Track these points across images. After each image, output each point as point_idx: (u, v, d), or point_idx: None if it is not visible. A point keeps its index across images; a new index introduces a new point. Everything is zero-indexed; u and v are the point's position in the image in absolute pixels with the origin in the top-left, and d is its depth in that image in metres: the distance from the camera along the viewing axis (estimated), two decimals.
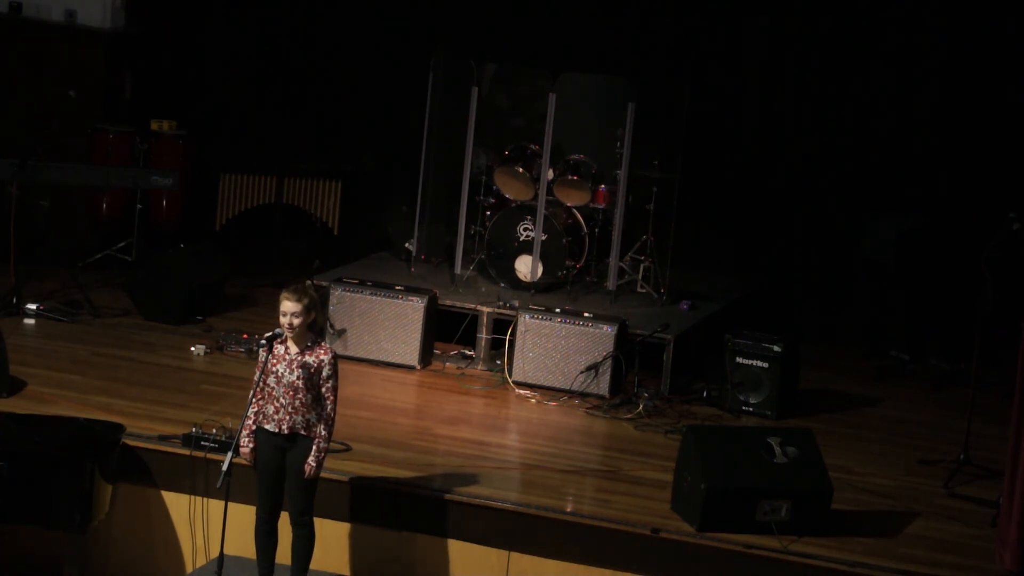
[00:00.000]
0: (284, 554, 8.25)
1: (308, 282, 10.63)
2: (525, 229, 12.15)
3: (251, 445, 8.10)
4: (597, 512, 8.79)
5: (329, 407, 8.06)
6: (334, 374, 8.06)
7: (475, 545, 8.73)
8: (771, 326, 11.25)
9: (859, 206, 13.22)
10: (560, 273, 12.12)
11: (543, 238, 12.04)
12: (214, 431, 8.97)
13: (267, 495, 8.16)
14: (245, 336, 11.25)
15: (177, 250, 12.09)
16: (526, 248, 12.13)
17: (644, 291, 12.26)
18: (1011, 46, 12.77)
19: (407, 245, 12.71)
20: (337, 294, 11.29)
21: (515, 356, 11.08)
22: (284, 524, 8.22)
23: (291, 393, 8.00)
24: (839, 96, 13.33)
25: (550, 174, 12.07)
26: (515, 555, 8.69)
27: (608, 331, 10.94)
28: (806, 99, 13.43)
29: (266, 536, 8.23)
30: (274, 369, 8.02)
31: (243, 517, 8.38)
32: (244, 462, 8.14)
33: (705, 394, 11.09)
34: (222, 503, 7.96)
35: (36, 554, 9.10)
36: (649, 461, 9.73)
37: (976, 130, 12.90)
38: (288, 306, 7.97)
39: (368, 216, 13.80)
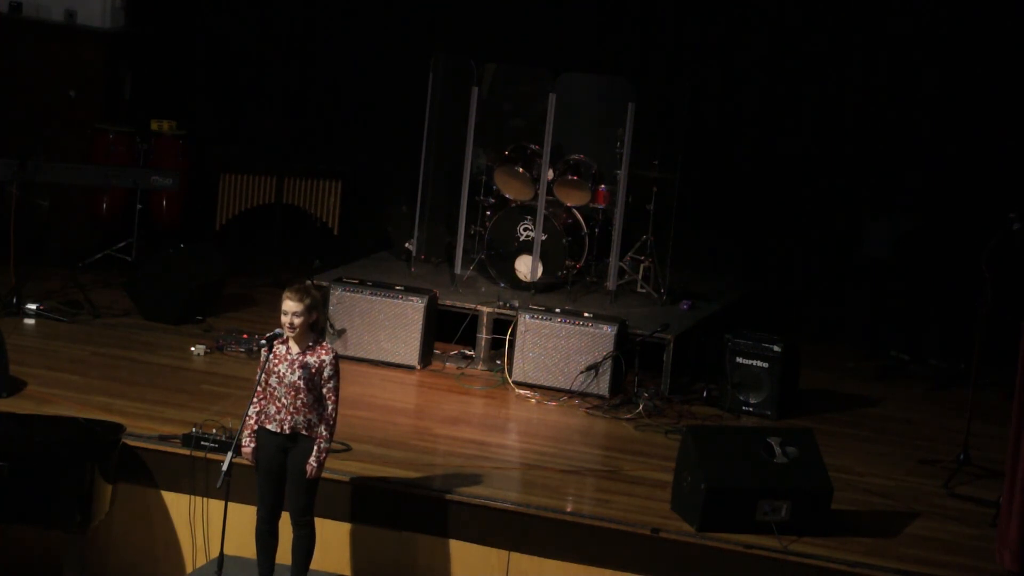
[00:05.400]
0: (284, 554, 8.26)
1: (308, 282, 10.64)
2: (525, 229, 12.15)
3: (252, 445, 8.10)
4: (597, 512, 8.79)
5: (330, 407, 8.06)
6: (335, 374, 8.06)
7: (475, 545, 8.73)
8: (771, 326, 11.25)
9: (859, 206, 13.23)
10: (560, 273, 12.13)
11: (543, 238, 12.04)
12: (214, 431, 8.97)
13: (268, 495, 8.15)
14: (245, 336, 11.26)
15: (177, 250, 12.09)
16: (526, 248, 12.13)
17: (644, 291, 12.26)
18: (1010, 46, 12.77)
19: (407, 245, 12.72)
20: (337, 294, 11.29)
21: (515, 356, 11.08)
22: (284, 524, 8.22)
23: (292, 393, 8.00)
24: (839, 96, 13.34)
25: (550, 174, 12.07)
26: (515, 555, 8.69)
27: (608, 331, 10.95)
28: (806, 99, 13.44)
29: (266, 536, 8.23)
30: (275, 369, 8.02)
31: (243, 517, 8.39)
32: (245, 462, 8.14)
33: (705, 394, 11.09)
34: (222, 503, 7.96)
35: (36, 554, 9.10)
36: (649, 461, 9.73)
37: (976, 130, 12.91)
38: (290, 305, 7.97)
39: (368, 216, 13.81)
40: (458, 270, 12.21)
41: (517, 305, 11.45)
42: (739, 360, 10.85)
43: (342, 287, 11.33)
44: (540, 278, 12.11)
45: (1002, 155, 12.78)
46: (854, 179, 13.32)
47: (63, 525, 8.56)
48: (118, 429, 8.95)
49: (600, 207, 12.20)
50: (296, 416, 8.02)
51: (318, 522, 8.28)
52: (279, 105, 14.41)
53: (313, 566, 8.28)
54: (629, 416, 10.63)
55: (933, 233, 12.65)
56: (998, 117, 12.83)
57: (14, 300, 11.45)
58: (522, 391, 10.96)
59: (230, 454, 7.83)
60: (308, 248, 13.50)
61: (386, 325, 11.24)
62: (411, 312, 11.23)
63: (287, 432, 8.04)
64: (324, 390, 8.05)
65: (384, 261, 12.96)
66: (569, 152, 12.28)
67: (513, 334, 11.12)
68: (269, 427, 8.07)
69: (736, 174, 13.57)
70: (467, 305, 11.62)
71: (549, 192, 12.08)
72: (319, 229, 13.77)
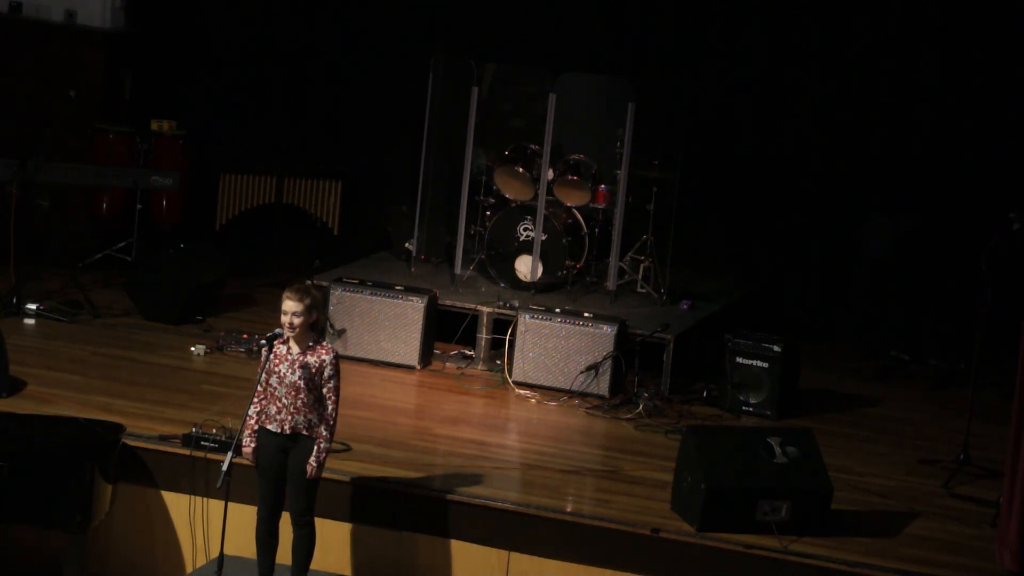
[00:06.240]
0: (284, 554, 8.26)
1: (308, 282, 10.64)
2: (525, 229, 12.16)
3: (253, 444, 8.09)
4: (597, 512, 8.79)
5: (331, 407, 8.06)
6: (336, 374, 8.06)
7: (475, 545, 8.73)
8: (771, 326, 11.25)
9: (859, 206, 13.22)
10: (560, 273, 12.12)
11: (543, 238, 12.04)
12: (214, 431, 8.97)
13: (268, 495, 8.16)
14: (245, 336, 11.25)
15: (177, 250, 12.09)
16: (526, 248, 12.13)
17: (644, 291, 12.26)
18: (1010, 46, 12.77)
19: (407, 245, 12.72)
20: (337, 294, 11.29)
21: (515, 356, 11.08)
22: (285, 524, 8.22)
23: (293, 393, 8.00)
24: (839, 95, 13.34)
25: (550, 174, 12.07)
26: (515, 555, 8.69)
27: (608, 331, 10.95)
28: (806, 98, 13.44)
29: (267, 536, 8.23)
30: (276, 369, 8.02)
31: (243, 517, 8.39)
32: (245, 462, 8.14)
33: (705, 394, 11.09)
34: (222, 503, 7.96)
35: (36, 554, 9.10)
36: (649, 461, 9.74)
37: (976, 129, 12.90)
38: (290, 305, 7.97)
39: (368, 216, 13.81)
40: (458, 270, 12.21)
41: (517, 305, 11.45)
42: (739, 360, 10.85)
43: (342, 287, 11.33)
44: (540, 278, 12.11)
45: (1002, 155, 12.77)
46: (854, 179, 13.31)
47: (63, 525, 8.55)
48: (118, 429, 8.95)
49: (600, 207, 12.20)
50: (296, 416, 8.02)
51: (318, 522, 8.28)
52: (279, 105, 14.41)
53: (313, 566, 8.28)
54: (629, 416, 10.63)
55: (933, 233, 12.64)
56: (998, 117, 12.83)
57: (14, 300, 11.45)
58: (522, 391, 10.96)
59: (230, 454, 7.83)
60: (308, 248, 13.50)
61: (386, 325, 11.24)
62: (411, 312, 11.23)
63: (287, 432, 8.04)
64: (324, 390, 8.05)
65: (384, 261, 12.95)
66: (569, 152, 12.28)
67: (513, 334, 11.12)
68: (269, 427, 8.07)
69: (736, 174, 13.57)
70: (467, 305, 11.62)
71: (549, 192, 12.08)
72: (319, 229, 13.76)
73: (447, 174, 12.51)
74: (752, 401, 10.83)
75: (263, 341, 8.07)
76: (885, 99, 13.24)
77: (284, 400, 8.02)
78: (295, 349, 8.05)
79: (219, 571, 8.14)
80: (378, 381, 10.94)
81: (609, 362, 10.91)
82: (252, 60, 14.53)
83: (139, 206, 12.73)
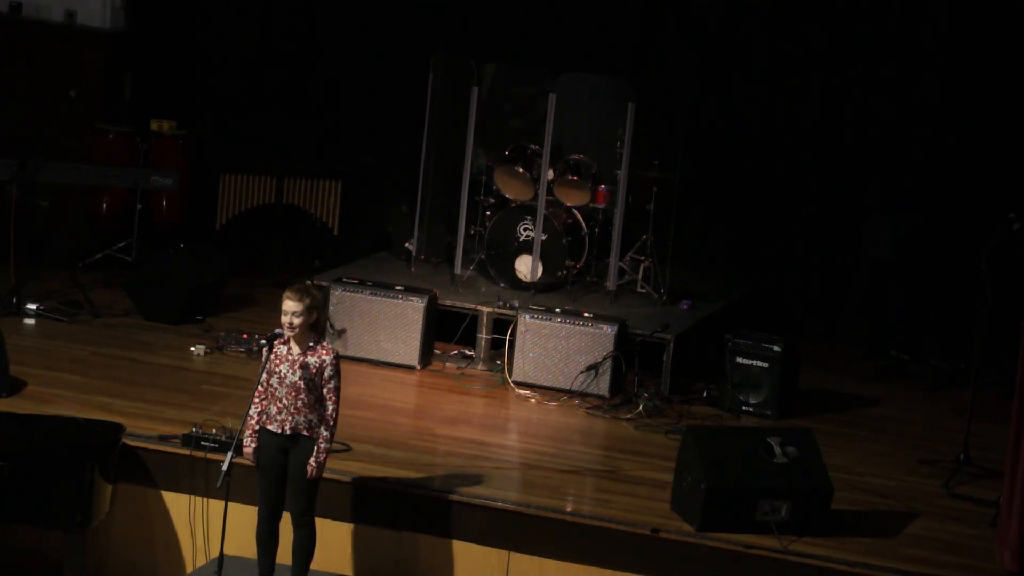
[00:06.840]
0: (285, 554, 8.26)
1: (308, 282, 10.64)
2: (525, 229, 12.15)
3: (253, 445, 8.09)
4: (597, 512, 8.79)
5: (331, 408, 8.05)
6: (336, 375, 8.06)
7: (475, 545, 8.73)
8: (771, 326, 11.25)
9: (859, 206, 13.22)
10: (560, 273, 12.13)
11: (543, 238, 12.04)
12: (214, 431, 8.97)
13: (268, 495, 8.15)
14: (245, 336, 11.25)
15: (177, 250, 12.09)
16: (526, 248, 12.13)
17: (644, 291, 12.26)
18: (1011, 46, 12.77)
19: (407, 245, 12.72)
20: (337, 294, 11.29)
21: (515, 356, 11.08)
22: (285, 524, 8.22)
23: (293, 394, 8.00)
24: (839, 95, 13.33)
25: (550, 174, 12.07)
26: (515, 555, 8.70)
27: (608, 331, 10.95)
28: (806, 98, 13.43)
29: (267, 536, 8.23)
30: (277, 369, 8.02)
31: (243, 517, 8.39)
32: (246, 462, 8.14)
33: (705, 394, 11.09)
34: (222, 503, 7.97)
35: (36, 554, 9.11)
36: (649, 461, 9.73)
37: (976, 130, 12.90)
38: (290, 305, 7.97)
39: (368, 216, 13.81)
40: (458, 270, 12.21)
41: (517, 305, 11.45)
42: (739, 360, 10.85)
43: (342, 287, 11.33)
44: (540, 278, 12.11)
45: (1002, 155, 12.77)
46: (854, 179, 13.31)
47: (63, 525, 8.55)
48: (118, 429, 8.95)
49: (600, 207, 12.20)
50: (297, 416, 8.02)
51: (319, 522, 8.28)
52: (279, 105, 14.41)
53: (314, 566, 8.28)
54: (629, 416, 10.63)
55: (933, 233, 12.64)
56: (998, 117, 12.82)
57: (14, 300, 11.45)
58: (522, 391, 10.96)
59: (230, 454, 7.83)
60: (308, 248, 13.50)
61: (386, 325, 11.24)
62: (411, 312, 11.23)
63: (288, 432, 8.04)
64: (325, 390, 8.04)
65: (384, 261, 12.96)
66: (569, 152, 12.28)
67: (513, 334, 11.12)
68: (270, 427, 8.06)
69: (736, 173, 13.56)
70: (467, 305, 11.62)
71: (549, 192, 12.08)
72: (319, 229, 13.76)
73: (447, 174, 12.51)
74: (752, 401, 10.83)
75: (263, 341, 8.08)
76: (885, 99, 13.23)
77: (284, 400, 8.02)
78: (295, 349, 8.04)
79: (219, 571, 8.14)
80: (378, 381, 10.94)
81: (609, 362, 10.91)
82: (252, 60, 14.53)
83: (139, 206, 12.73)
